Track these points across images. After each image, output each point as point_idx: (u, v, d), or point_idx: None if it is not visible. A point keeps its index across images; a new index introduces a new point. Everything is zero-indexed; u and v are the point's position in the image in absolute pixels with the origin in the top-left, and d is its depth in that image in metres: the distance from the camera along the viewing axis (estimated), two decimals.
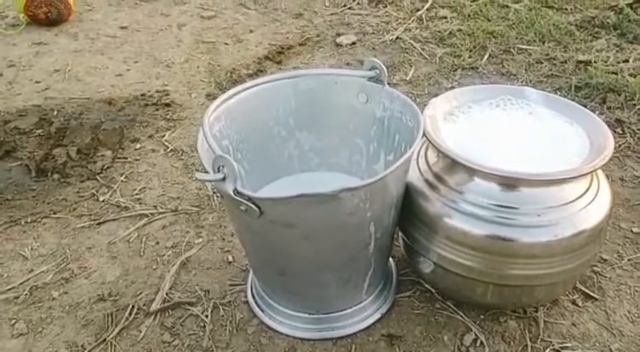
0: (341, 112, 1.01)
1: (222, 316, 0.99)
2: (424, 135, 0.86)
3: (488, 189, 0.85)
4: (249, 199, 0.73)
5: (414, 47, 1.93)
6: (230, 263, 1.10)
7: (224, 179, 0.71)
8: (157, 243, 1.15)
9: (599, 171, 0.90)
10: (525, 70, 1.76)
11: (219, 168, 0.71)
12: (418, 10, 2.20)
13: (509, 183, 0.84)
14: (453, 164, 0.87)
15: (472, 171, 0.85)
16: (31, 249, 1.15)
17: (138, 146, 1.46)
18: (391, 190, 0.82)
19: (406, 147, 0.93)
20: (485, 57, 1.84)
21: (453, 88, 1.61)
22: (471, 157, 0.84)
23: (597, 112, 1.32)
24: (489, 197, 0.85)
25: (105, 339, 0.96)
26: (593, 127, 0.90)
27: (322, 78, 0.99)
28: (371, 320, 0.96)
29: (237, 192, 0.72)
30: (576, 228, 0.83)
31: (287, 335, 0.95)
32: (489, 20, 2.07)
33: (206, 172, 0.75)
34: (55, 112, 1.60)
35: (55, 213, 1.24)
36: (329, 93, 1.00)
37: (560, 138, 0.90)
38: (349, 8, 2.27)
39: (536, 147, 0.89)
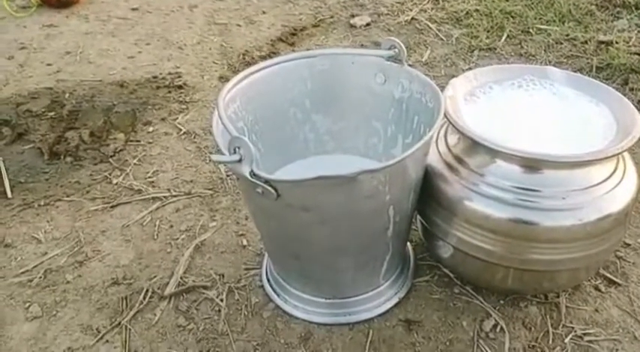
0: (358, 94, 0.99)
1: (238, 300, 0.98)
2: (445, 116, 0.83)
3: (510, 171, 0.82)
4: (266, 181, 0.71)
5: (430, 28, 1.89)
6: (245, 247, 1.08)
7: (240, 161, 0.69)
8: (171, 226, 1.14)
9: (626, 154, 0.87)
10: (545, 50, 1.72)
11: (235, 150, 0.69)
12: None
13: (532, 164, 0.81)
14: (474, 145, 0.84)
15: (494, 153, 0.82)
16: (45, 232, 1.14)
17: (150, 129, 1.45)
18: (411, 173, 0.80)
19: (425, 129, 0.91)
20: (503, 37, 1.80)
21: (470, 69, 1.58)
22: (493, 138, 0.81)
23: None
24: (511, 179, 0.82)
25: (119, 323, 0.95)
26: (620, 107, 0.88)
27: (339, 58, 0.97)
28: (388, 305, 0.95)
29: (253, 174, 0.70)
30: (601, 212, 0.81)
31: (303, 320, 0.94)
32: (507, 0, 2.02)
33: (221, 154, 0.74)
34: (67, 95, 1.59)
35: (68, 196, 1.23)
36: (346, 73, 0.97)
37: (585, 118, 0.87)
38: None
39: (560, 129, 0.87)
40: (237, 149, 0.69)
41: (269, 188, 0.71)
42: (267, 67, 0.91)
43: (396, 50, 0.91)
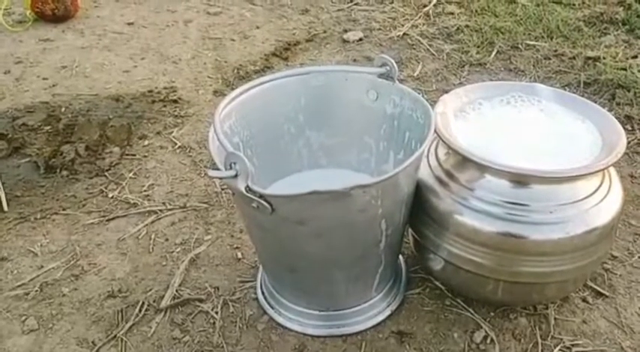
0: (351, 110, 1.01)
1: (232, 313, 0.99)
2: (435, 131, 0.85)
3: (499, 186, 0.85)
4: (261, 196, 0.73)
5: (422, 43, 1.93)
6: (239, 259, 1.10)
7: (236, 176, 0.71)
8: (166, 239, 1.15)
9: (611, 168, 0.89)
10: (533, 66, 1.75)
11: (231, 165, 0.71)
12: (425, 6, 2.19)
13: (521, 180, 0.84)
14: (464, 161, 0.86)
15: (483, 168, 0.85)
16: (41, 245, 1.15)
17: (146, 142, 1.46)
18: (402, 187, 0.82)
19: (416, 145, 0.93)
20: (493, 53, 1.83)
21: (461, 84, 1.61)
22: (482, 154, 0.83)
23: (606, 109, 1.31)
24: (500, 194, 0.84)
25: (115, 335, 0.96)
26: (605, 124, 0.90)
27: (332, 74, 0.99)
28: (381, 317, 0.96)
29: (249, 190, 0.72)
30: (588, 225, 0.83)
31: (297, 332, 0.95)
32: (497, 16, 2.06)
33: (217, 169, 0.75)
34: (63, 109, 1.60)
35: (64, 210, 1.24)
36: (339, 90, 0.99)
37: (571, 135, 0.90)
38: (356, 4, 2.26)
39: (548, 144, 0.89)
40: (232, 164, 0.71)
41: (264, 203, 0.73)
42: (263, 83, 0.93)
43: (388, 67, 0.93)
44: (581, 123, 0.92)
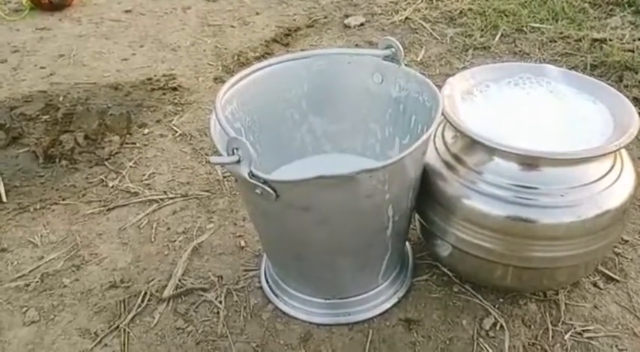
0: (355, 94, 0.99)
1: (236, 302, 0.98)
2: (442, 114, 0.83)
3: (508, 169, 0.82)
4: (265, 182, 0.71)
5: (424, 27, 1.90)
6: (242, 248, 1.08)
7: (239, 161, 0.69)
8: (168, 228, 1.14)
9: (623, 150, 0.87)
10: (539, 48, 1.72)
11: (233, 151, 0.69)
12: None
13: (531, 162, 0.81)
14: (472, 144, 0.84)
15: (492, 151, 0.82)
16: (41, 235, 1.13)
17: (146, 131, 1.44)
18: (410, 172, 0.80)
19: (423, 128, 0.91)
20: (498, 36, 1.80)
21: (465, 68, 1.58)
22: (491, 136, 0.81)
23: None
24: (509, 177, 0.82)
25: (118, 326, 0.94)
26: (617, 105, 0.87)
27: (335, 58, 0.96)
28: (388, 305, 0.95)
29: (252, 175, 0.70)
30: (600, 208, 0.81)
31: (302, 321, 0.93)
32: None
33: (219, 155, 0.73)
34: (61, 98, 1.58)
35: (64, 200, 1.22)
36: (342, 74, 0.97)
37: (582, 116, 0.87)
38: None
39: (558, 126, 0.87)
40: (235, 150, 0.69)
41: (268, 188, 0.71)
42: (264, 68, 0.91)
43: (393, 50, 0.91)
44: (592, 104, 0.89)
